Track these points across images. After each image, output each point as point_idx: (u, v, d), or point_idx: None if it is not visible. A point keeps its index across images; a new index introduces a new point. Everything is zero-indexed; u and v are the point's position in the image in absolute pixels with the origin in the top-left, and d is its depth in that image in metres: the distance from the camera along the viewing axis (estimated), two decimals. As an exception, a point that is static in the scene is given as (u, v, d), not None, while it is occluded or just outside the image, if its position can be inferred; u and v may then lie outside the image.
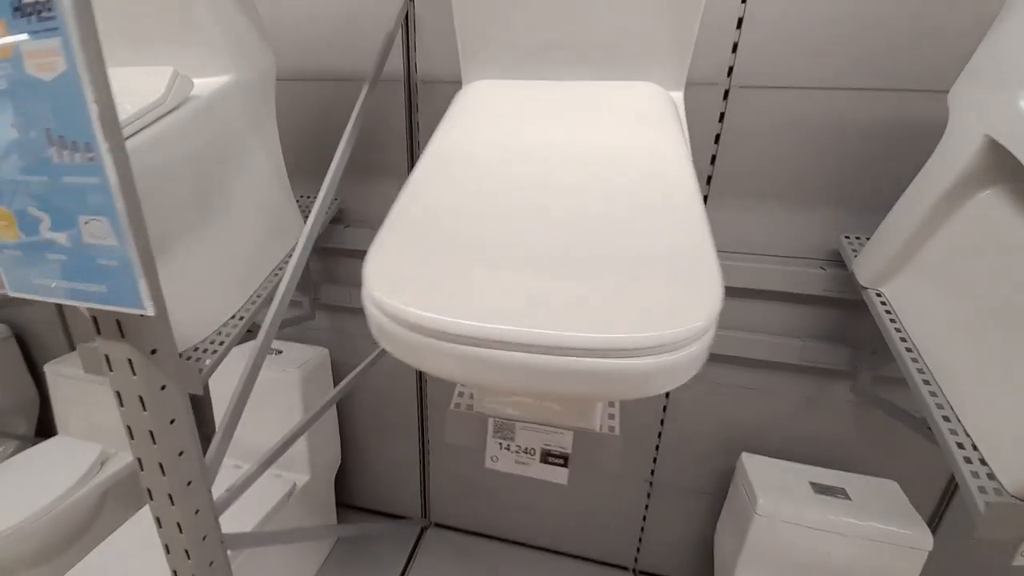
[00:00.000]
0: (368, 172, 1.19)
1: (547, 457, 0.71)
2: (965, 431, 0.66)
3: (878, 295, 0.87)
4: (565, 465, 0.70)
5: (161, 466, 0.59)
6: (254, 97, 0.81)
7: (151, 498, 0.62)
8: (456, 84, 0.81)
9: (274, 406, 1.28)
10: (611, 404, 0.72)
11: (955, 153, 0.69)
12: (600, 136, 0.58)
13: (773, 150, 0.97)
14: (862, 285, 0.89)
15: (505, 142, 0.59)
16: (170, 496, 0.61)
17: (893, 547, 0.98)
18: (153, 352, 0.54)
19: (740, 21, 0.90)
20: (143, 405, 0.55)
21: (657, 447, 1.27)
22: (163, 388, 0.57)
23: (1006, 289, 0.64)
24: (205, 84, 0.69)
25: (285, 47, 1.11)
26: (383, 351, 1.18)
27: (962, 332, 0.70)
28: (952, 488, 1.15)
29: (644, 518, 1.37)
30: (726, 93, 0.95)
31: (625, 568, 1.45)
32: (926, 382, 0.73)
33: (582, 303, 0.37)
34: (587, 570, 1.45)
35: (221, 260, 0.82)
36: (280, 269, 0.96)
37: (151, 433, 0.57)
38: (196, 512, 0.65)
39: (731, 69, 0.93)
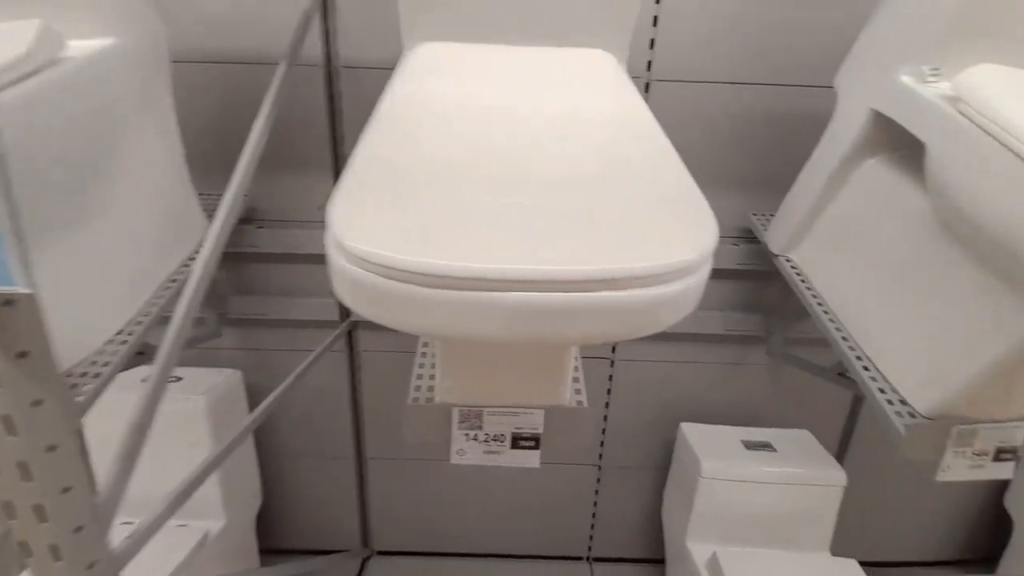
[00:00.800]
0: (282, 166, 1.07)
1: (518, 442, 0.68)
2: (878, 370, 0.76)
3: (788, 260, 0.97)
4: (537, 447, 0.68)
5: (39, 509, 0.45)
6: (143, 70, 0.68)
7: (28, 554, 0.47)
8: (384, 71, 0.76)
9: (173, 445, 1.08)
10: (576, 379, 0.71)
11: (845, 128, 0.79)
12: (561, 97, 0.58)
13: (687, 139, 1.04)
14: (774, 253, 0.99)
15: (465, 101, 0.55)
16: (54, 549, 0.47)
17: (816, 487, 1.10)
18: (22, 355, 0.41)
19: (656, 19, 0.96)
20: (10, 427, 0.42)
21: (603, 430, 1.30)
22: (37, 404, 0.44)
23: (893, 243, 0.75)
24: (82, 47, 0.56)
25: (187, 24, 0.96)
26: (309, 366, 1.07)
27: (863, 285, 0.81)
28: (851, 427, 1.33)
29: (595, 503, 1.38)
30: (647, 86, 1.00)
31: (580, 558, 1.45)
32: (838, 330, 0.83)
33: (583, 239, 0.35)
34: (543, 569, 1.42)
35: (101, 263, 0.67)
36: (176, 278, 0.82)
37: (23, 466, 0.43)
38: (90, 567, 0.51)
39: (650, 64, 0.99)
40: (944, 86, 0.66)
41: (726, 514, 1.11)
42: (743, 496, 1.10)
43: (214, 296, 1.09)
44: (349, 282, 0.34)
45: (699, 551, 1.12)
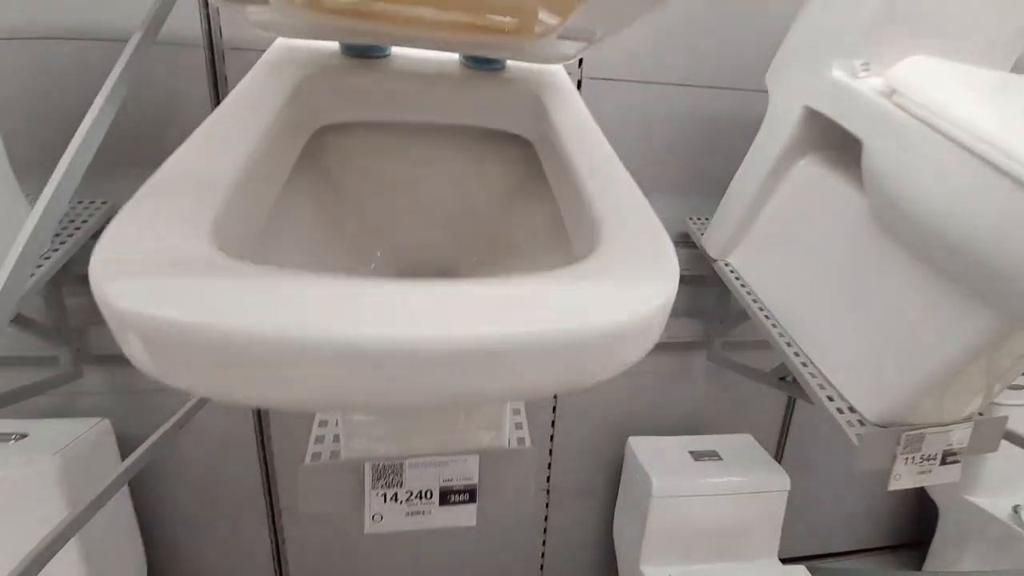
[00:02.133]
0: (155, 166, 0.89)
1: (448, 496, 0.57)
2: (823, 375, 0.73)
3: (727, 264, 0.94)
4: (472, 500, 0.57)
5: None
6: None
7: None
8: None
9: (18, 519, 0.86)
10: (516, 411, 0.61)
11: (778, 127, 0.77)
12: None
13: (622, 141, 1.00)
14: (712, 258, 0.96)
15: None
16: None
17: (763, 495, 1.08)
18: None
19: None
20: None
21: (551, 451, 1.21)
22: None
23: (832, 244, 0.73)
24: None
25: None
26: (195, 408, 0.89)
27: (803, 288, 0.78)
28: (787, 427, 1.34)
29: (545, 530, 1.29)
30: (579, 83, 0.94)
31: (530, 589, 1.35)
32: (781, 335, 0.80)
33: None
34: (491, 606, 1.31)
35: None
36: None
37: None
38: None
39: (580, 61, 0.93)
40: (875, 81, 0.64)
41: (678, 531, 1.06)
42: (694, 511, 1.05)
43: (66, 329, 0.88)
44: (151, 354, 0.22)
45: (653, 574, 1.06)
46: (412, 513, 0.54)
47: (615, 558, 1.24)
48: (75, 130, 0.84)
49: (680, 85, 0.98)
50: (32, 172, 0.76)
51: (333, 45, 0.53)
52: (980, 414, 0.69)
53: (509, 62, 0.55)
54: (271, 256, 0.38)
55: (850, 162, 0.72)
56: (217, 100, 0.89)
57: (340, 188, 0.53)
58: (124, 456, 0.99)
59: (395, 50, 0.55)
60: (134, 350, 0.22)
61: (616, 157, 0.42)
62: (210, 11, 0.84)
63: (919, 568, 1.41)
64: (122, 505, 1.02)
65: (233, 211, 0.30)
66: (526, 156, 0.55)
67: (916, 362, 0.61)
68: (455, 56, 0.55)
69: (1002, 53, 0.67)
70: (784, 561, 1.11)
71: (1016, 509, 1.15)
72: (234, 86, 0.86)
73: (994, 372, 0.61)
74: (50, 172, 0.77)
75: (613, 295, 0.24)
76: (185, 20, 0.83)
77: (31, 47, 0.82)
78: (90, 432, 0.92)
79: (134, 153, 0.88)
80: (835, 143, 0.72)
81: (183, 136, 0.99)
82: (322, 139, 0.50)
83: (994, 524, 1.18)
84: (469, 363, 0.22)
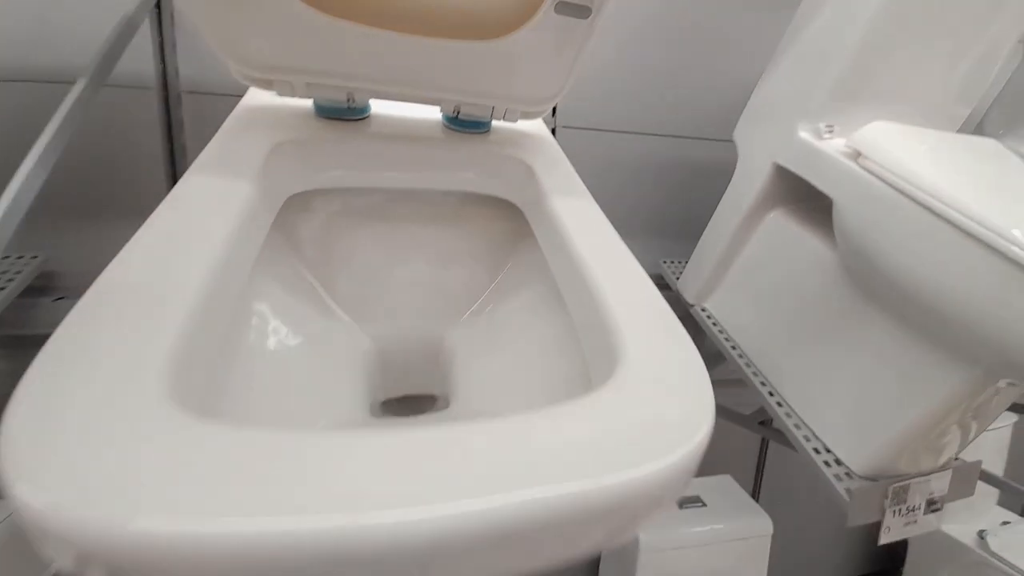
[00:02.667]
0: (100, 216, 0.81)
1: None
2: (806, 424, 0.73)
3: (703, 310, 0.94)
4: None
5: None
6: None
7: None
8: (239, 97, 0.58)
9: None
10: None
11: (749, 181, 0.79)
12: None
13: (596, 187, 1.00)
14: (689, 303, 0.96)
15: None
16: None
17: (748, 540, 1.06)
18: None
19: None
20: None
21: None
22: None
23: (805, 295, 0.74)
24: None
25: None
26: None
27: (778, 337, 0.79)
28: (762, 465, 1.35)
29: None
30: (553, 131, 0.95)
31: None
32: (763, 384, 0.80)
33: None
34: None
35: None
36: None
37: None
38: None
39: (555, 109, 0.94)
40: (839, 142, 0.67)
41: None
42: (682, 563, 1.02)
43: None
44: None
45: (643, 633, 1.01)
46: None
47: (602, 613, 1.18)
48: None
49: (651, 134, 1.01)
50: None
51: (306, 104, 0.50)
52: (956, 458, 0.70)
53: (494, 124, 0.53)
54: (237, 368, 0.33)
55: (819, 215, 0.74)
56: (171, 147, 0.82)
57: (314, 258, 0.49)
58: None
59: (374, 111, 0.52)
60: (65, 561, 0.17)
61: (616, 235, 0.40)
62: (165, 52, 0.79)
63: (893, 597, 1.43)
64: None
65: (193, 336, 0.25)
66: (513, 220, 0.53)
67: (896, 415, 0.62)
68: (437, 117, 0.53)
69: (946, 116, 0.73)
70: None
71: (981, 534, 1.19)
72: (189, 132, 0.82)
73: (970, 421, 0.63)
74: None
75: (649, 444, 0.22)
76: (139, 62, 0.78)
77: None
78: (12, 517, 0.80)
79: (75, 204, 0.80)
80: (804, 196, 0.75)
81: (129, 187, 0.91)
82: (294, 206, 0.46)
83: (961, 550, 1.22)
84: (477, 548, 0.18)
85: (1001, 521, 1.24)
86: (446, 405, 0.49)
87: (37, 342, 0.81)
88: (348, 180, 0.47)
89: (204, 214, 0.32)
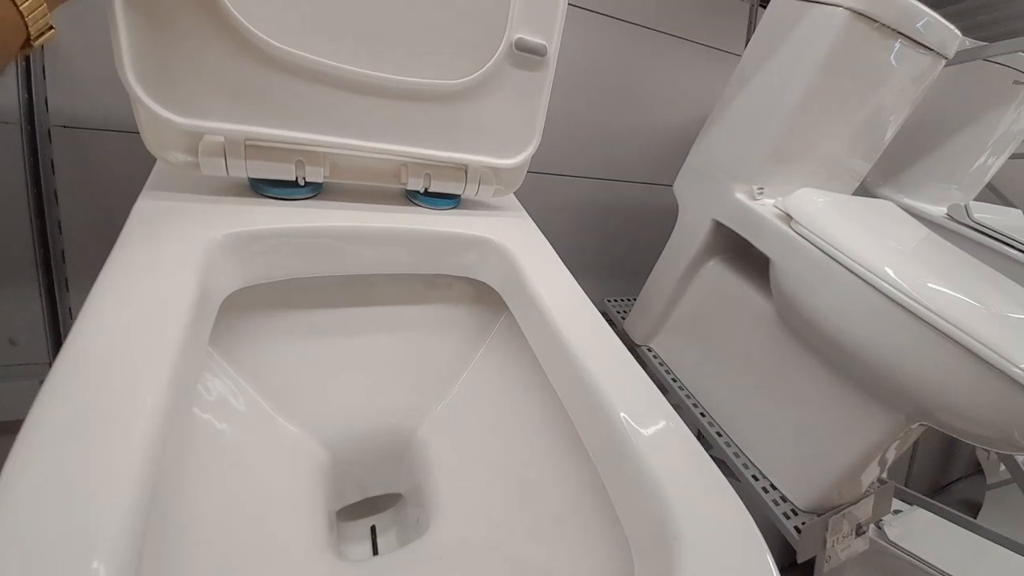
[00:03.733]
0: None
1: None
2: (752, 462, 0.78)
3: (650, 350, 0.98)
4: None
5: None
6: None
7: None
8: (124, 133, 0.49)
9: None
10: None
11: (689, 233, 0.83)
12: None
13: (544, 228, 1.01)
14: (635, 343, 0.99)
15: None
16: None
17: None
18: None
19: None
20: None
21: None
22: None
23: (744, 340, 0.80)
24: None
25: None
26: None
27: (718, 378, 0.84)
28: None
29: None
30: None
31: None
32: (711, 424, 0.84)
33: None
34: None
35: None
36: None
37: None
38: None
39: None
40: (769, 203, 0.73)
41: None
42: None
43: None
44: None
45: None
46: None
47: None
48: None
49: (591, 178, 1.03)
50: None
51: (238, 180, 0.43)
52: (879, 481, 0.79)
53: (463, 197, 0.51)
54: (177, 522, 0.27)
55: (755, 265, 0.80)
56: (38, 191, 0.69)
57: (251, 362, 0.43)
58: None
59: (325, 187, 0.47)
60: None
61: (607, 326, 0.39)
62: (32, 81, 0.66)
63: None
64: None
65: (137, 513, 0.20)
66: (489, 300, 0.50)
67: (833, 455, 0.68)
68: (397, 194, 0.49)
69: (851, 173, 0.82)
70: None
71: (879, 525, 1.35)
72: (62, 174, 0.69)
73: (890, 454, 0.71)
74: None
75: None
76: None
77: None
78: None
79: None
80: (741, 247, 0.80)
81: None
82: (228, 305, 0.40)
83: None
84: None
85: (893, 510, 1.42)
86: (417, 507, 0.45)
87: None
88: (302, 270, 0.42)
89: (142, 343, 0.25)
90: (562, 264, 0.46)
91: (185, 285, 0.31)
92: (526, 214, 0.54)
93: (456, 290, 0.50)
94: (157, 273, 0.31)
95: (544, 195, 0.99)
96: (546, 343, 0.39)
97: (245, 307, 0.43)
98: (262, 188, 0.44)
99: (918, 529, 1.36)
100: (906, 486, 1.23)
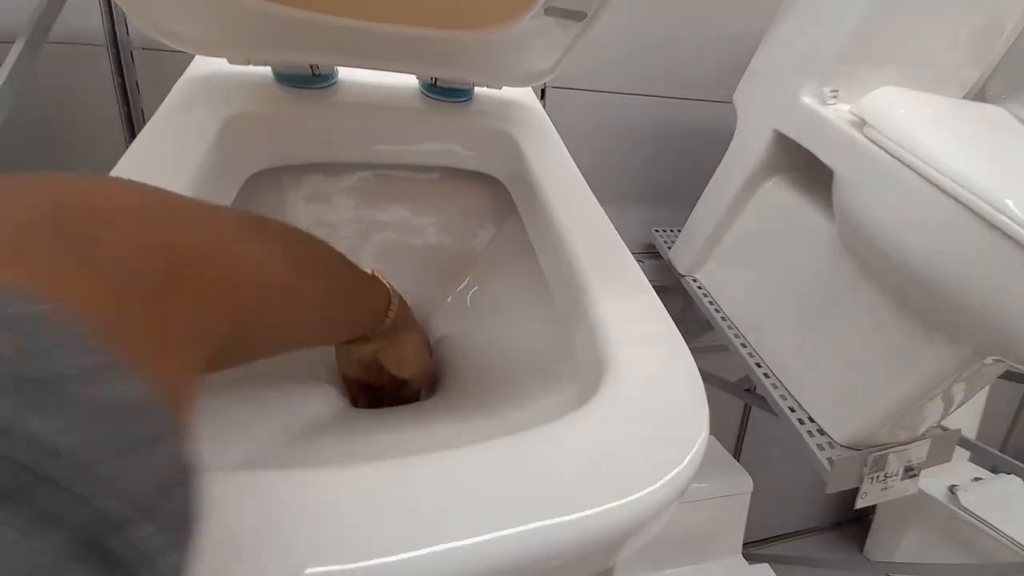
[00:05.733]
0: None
1: None
2: (789, 393, 0.74)
3: (694, 280, 0.93)
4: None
5: None
6: None
7: None
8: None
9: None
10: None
11: (747, 148, 0.76)
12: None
13: (588, 152, 0.96)
14: (680, 273, 0.95)
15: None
16: None
17: (729, 497, 1.11)
18: None
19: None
20: None
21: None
22: None
23: (799, 266, 0.73)
24: None
25: None
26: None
27: (771, 308, 0.79)
28: (744, 427, 1.39)
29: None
30: (543, 92, 0.89)
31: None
32: (750, 355, 0.80)
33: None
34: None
35: None
36: None
37: None
38: None
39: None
40: (843, 108, 0.64)
41: (650, 542, 1.07)
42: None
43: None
44: None
45: (627, 584, 1.07)
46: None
47: (589, 568, 1.24)
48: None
49: (646, 95, 0.96)
50: None
51: (263, 72, 0.45)
52: (937, 426, 0.72)
53: (476, 91, 0.49)
54: None
55: (818, 185, 0.72)
56: (128, 111, 0.77)
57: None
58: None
59: (342, 76, 0.47)
60: None
61: (606, 219, 0.38)
62: (112, 6, 0.72)
63: (861, 544, 1.53)
64: None
65: None
66: (496, 197, 0.50)
67: (883, 388, 0.63)
68: (413, 83, 0.49)
69: (955, 80, 0.69)
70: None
71: (952, 489, 1.25)
72: (147, 95, 0.76)
73: (954, 394, 0.64)
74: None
75: (640, 469, 0.21)
76: (88, 18, 0.71)
77: None
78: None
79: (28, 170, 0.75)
80: (803, 165, 0.72)
81: (89, 157, 0.85)
82: (259, 186, 0.43)
83: (931, 504, 1.28)
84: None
85: (973, 477, 1.30)
86: (431, 385, 0.48)
87: None
88: (316, 156, 0.44)
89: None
90: (571, 161, 0.45)
91: (201, 156, 0.34)
92: (541, 108, 0.52)
93: (466, 185, 0.51)
94: (174, 147, 0.34)
95: (587, 113, 0.94)
96: (541, 231, 0.38)
97: (279, 190, 0.46)
98: (284, 79, 0.46)
99: (996, 499, 1.24)
100: (1002, 451, 1.11)
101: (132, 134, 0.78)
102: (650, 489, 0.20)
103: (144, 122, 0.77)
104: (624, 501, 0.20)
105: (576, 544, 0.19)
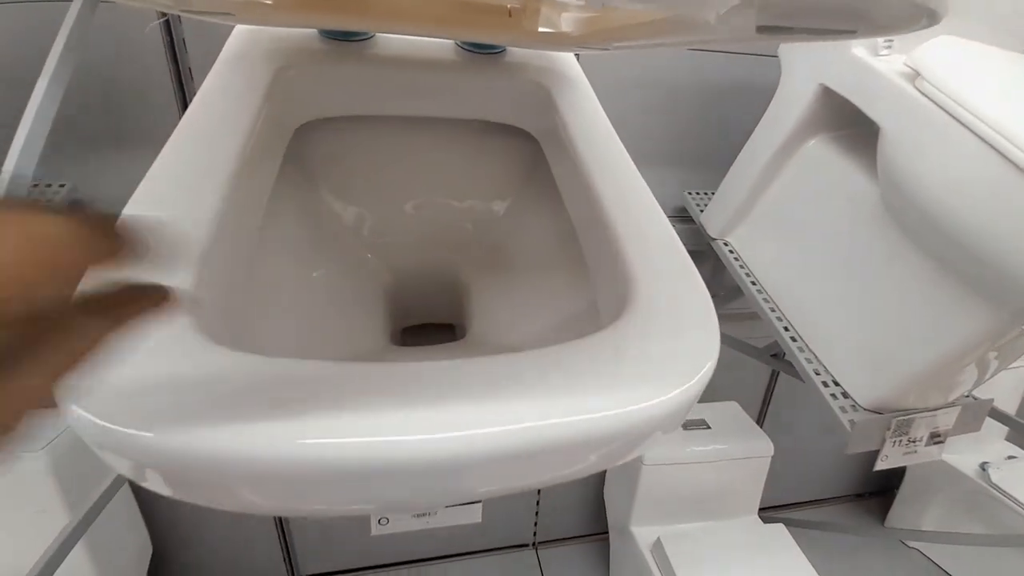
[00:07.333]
0: (118, 142, 0.82)
1: (454, 495, 0.57)
2: (818, 359, 0.74)
3: (725, 244, 0.92)
4: (478, 499, 0.57)
5: None
6: None
7: None
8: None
9: (15, 513, 0.86)
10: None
11: (790, 104, 0.73)
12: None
13: (621, 108, 0.94)
14: (711, 237, 0.94)
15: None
16: None
17: (748, 460, 1.12)
18: None
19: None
20: None
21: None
22: None
23: (837, 229, 0.71)
24: None
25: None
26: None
27: (800, 269, 0.78)
28: (770, 394, 1.38)
29: (539, 491, 1.35)
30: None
31: (525, 545, 1.43)
32: (779, 319, 0.80)
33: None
34: (489, 562, 1.38)
35: None
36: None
37: None
38: None
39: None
40: (897, 60, 0.60)
41: (667, 495, 1.11)
42: (683, 478, 1.10)
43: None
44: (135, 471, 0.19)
45: (642, 534, 1.12)
46: (419, 515, 0.55)
47: (606, 517, 1.30)
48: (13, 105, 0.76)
49: (685, 49, 0.92)
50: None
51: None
52: (968, 395, 0.71)
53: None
54: (258, 297, 0.35)
55: (862, 145, 0.69)
56: (177, 67, 0.80)
57: (327, 191, 0.49)
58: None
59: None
60: (125, 471, 0.19)
61: (636, 172, 0.38)
62: None
63: (883, 515, 1.53)
64: (121, 490, 1.02)
65: (213, 271, 0.27)
66: (529, 151, 0.51)
67: (913, 353, 0.62)
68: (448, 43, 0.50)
69: (1013, 32, 0.64)
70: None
71: (983, 466, 1.23)
72: (193, 52, 0.79)
73: (989, 362, 0.62)
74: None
75: (654, 383, 0.22)
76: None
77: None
78: (78, 423, 0.90)
79: (92, 130, 0.80)
80: (848, 123, 0.69)
81: (142, 111, 0.90)
82: (302, 138, 0.45)
83: (960, 479, 1.26)
84: (500, 469, 0.20)
85: (1007, 455, 1.27)
86: (463, 335, 0.51)
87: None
88: (354, 108, 0.46)
89: (214, 147, 0.32)
90: (605, 116, 0.45)
91: (251, 116, 0.36)
92: (575, 60, 0.52)
93: (497, 138, 0.51)
94: (233, 98, 0.36)
95: (620, 68, 0.91)
96: (571, 181, 0.39)
97: (323, 142, 0.49)
98: (326, 32, 0.47)
99: (1030, 478, 1.21)
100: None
101: (182, 91, 0.81)
102: (672, 393, 0.22)
103: (192, 79, 0.81)
104: (653, 401, 0.22)
105: (612, 433, 0.21)
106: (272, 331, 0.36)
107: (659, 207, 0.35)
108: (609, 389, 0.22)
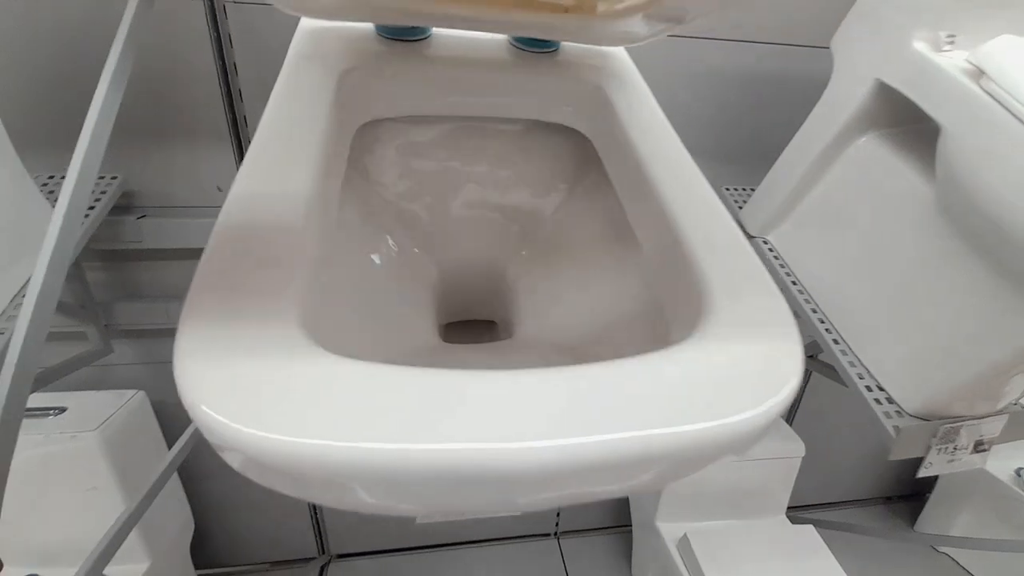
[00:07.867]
0: (165, 135, 0.84)
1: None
2: (859, 360, 0.73)
3: (765, 242, 0.90)
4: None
5: None
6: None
7: None
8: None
9: (69, 491, 0.90)
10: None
11: (843, 98, 0.71)
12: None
13: (663, 100, 0.93)
14: (750, 235, 0.92)
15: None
16: None
17: (778, 460, 1.12)
18: None
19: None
20: None
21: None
22: None
23: (887, 230, 0.69)
24: None
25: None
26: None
27: (846, 271, 0.76)
28: (802, 391, 1.36)
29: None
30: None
31: (548, 535, 1.45)
32: (820, 320, 0.79)
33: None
34: (512, 551, 1.41)
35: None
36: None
37: None
38: None
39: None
40: (959, 56, 0.58)
41: (695, 493, 1.11)
42: (711, 476, 1.10)
43: (92, 305, 0.87)
44: (259, 472, 0.20)
45: (668, 530, 1.12)
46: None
47: (628, 510, 1.31)
48: (53, 100, 0.78)
49: (727, 40, 0.89)
50: (34, 146, 0.71)
51: (366, 26, 0.47)
52: (1016, 403, 0.69)
53: (564, 43, 0.49)
54: (330, 298, 0.36)
55: (917, 142, 0.67)
56: (222, 60, 0.81)
57: (381, 189, 0.50)
58: (162, 422, 1.03)
59: (435, 30, 0.49)
60: (236, 464, 0.21)
61: (699, 174, 0.38)
62: None
63: (911, 519, 1.50)
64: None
65: (311, 273, 0.27)
66: (579, 150, 0.51)
67: (964, 359, 0.61)
68: (502, 36, 0.50)
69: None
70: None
71: (1019, 472, 1.19)
72: (238, 46, 0.80)
73: (1044, 371, 0.61)
74: (50, 144, 0.72)
75: (737, 396, 0.23)
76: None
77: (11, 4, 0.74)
78: (127, 405, 0.95)
79: (141, 123, 0.82)
80: (902, 121, 0.67)
81: (188, 105, 0.91)
82: (361, 136, 0.46)
83: (993, 484, 1.23)
84: (598, 477, 0.21)
85: (1045, 462, 1.23)
86: (507, 332, 0.52)
87: (129, 255, 0.88)
88: (411, 108, 0.46)
89: (295, 151, 0.32)
90: (662, 113, 0.44)
91: (324, 117, 0.37)
92: (627, 57, 0.51)
93: (549, 138, 0.51)
94: (306, 101, 0.37)
95: (662, 59, 0.89)
96: (630, 182, 0.39)
97: (378, 141, 0.50)
98: (384, 32, 0.48)
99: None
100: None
101: (227, 85, 0.83)
102: (752, 413, 0.22)
103: (236, 74, 0.83)
104: (732, 419, 0.22)
105: (688, 450, 0.21)
106: (338, 325, 0.37)
107: (725, 210, 0.35)
108: (706, 404, 0.22)
